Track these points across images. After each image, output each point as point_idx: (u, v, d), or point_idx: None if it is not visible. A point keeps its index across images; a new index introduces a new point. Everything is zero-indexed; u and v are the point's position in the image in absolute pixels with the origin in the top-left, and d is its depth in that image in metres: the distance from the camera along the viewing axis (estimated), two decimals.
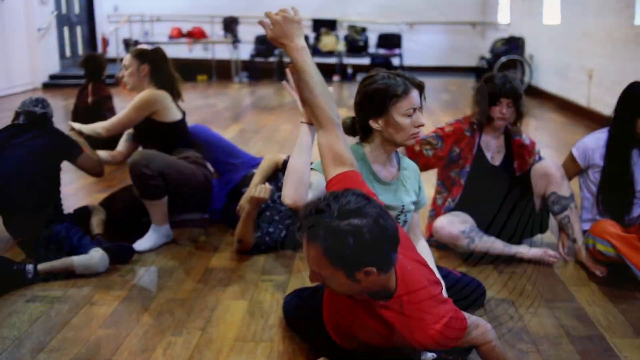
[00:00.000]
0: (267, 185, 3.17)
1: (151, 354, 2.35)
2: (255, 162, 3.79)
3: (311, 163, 2.25)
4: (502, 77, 3.30)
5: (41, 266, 2.94)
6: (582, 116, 7.73)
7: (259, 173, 3.54)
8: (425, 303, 1.90)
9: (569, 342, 2.50)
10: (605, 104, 7.08)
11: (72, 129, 3.51)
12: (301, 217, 1.76)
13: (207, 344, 2.43)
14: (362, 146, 2.37)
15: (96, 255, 3.03)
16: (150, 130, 3.64)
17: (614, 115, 3.18)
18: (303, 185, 2.11)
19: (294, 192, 2.09)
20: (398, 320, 1.88)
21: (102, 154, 3.68)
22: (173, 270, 3.13)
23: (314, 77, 2.06)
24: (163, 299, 2.81)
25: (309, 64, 2.06)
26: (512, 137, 3.42)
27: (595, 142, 3.25)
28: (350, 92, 9.92)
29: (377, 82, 2.28)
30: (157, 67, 3.66)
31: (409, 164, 2.54)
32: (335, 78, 11.42)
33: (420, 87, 2.33)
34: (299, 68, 2.07)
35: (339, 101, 8.82)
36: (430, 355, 2.08)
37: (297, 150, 2.16)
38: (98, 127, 3.61)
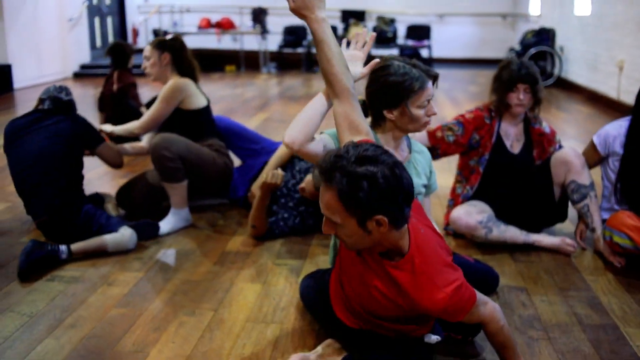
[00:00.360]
0: (280, 171, 3.19)
1: (162, 333, 2.40)
2: (275, 147, 3.82)
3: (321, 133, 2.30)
4: (518, 63, 3.29)
5: (74, 246, 3.02)
6: (611, 108, 7.60)
7: (274, 159, 3.59)
8: (437, 266, 1.91)
9: (580, 330, 2.48)
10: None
11: (102, 130, 3.64)
12: (320, 162, 1.81)
13: (218, 324, 2.47)
14: (374, 131, 2.37)
15: (127, 233, 3.13)
16: (178, 119, 3.68)
17: (635, 103, 3.13)
18: (307, 129, 2.12)
19: (295, 132, 2.11)
20: (408, 281, 1.88)
21: (127, 146, 3.77)
22: (190, 253, 3.18)
23: (333, 48, 2.08)
24: (178, 280, 2.85)
25: (328, 35, 2.08)
26: (531, 125, 3.39)
27: (617, 129, 3.20)
28: None
29: (394, 75, 2.28)
30: (178, 55, 3.71)
31: (421, 148, 2.56)
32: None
33: (435, 78, 2.35)
34: (318, 39, 2.08)
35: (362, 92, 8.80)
36: (434, 337, 2.08)
37: (309, 104, 2.18)
38: (133, 127, 3.71)
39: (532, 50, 9.86)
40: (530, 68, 3.29)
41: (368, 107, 2.41)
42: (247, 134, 4.04)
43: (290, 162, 3.55)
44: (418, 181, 2.43)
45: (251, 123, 6.29)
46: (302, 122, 2.13)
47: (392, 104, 2.32)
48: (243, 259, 3.11)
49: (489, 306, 2.02)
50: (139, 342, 2.34)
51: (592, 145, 3.28)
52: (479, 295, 1.98)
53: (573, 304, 2.69)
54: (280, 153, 3.62)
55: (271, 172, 3.18)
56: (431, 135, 3.29)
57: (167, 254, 3.16)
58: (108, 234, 3.10)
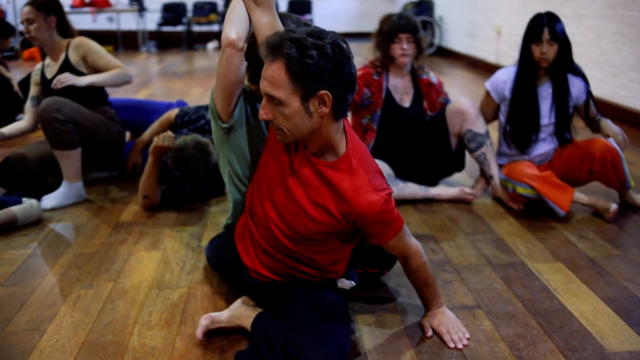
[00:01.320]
0: (170, 132, 3.02)
1: (59, 308, 2.18)
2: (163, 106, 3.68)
3: None
4: (397, 15, 3.30)
5: None
6: (491, 72, 7.85)
7: (155, 125, 3.45)
8: (371, 170, 1.86)
9: (491, 269, 2.51)
10: (515, 58, 7.23)
11: None
12: (267, 39, 1.72)
13: (120, 294, 2.28)
14: None
15: (33, 202, 2.94)
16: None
17: (521, 47, 3.20)
18: (245, 28, 1.98)
19: (239, 30, 1.94)
20: (344, 182, 1.81)
21: (5, 130, 3.41)
22: (81, 226, 2.93)
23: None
24: (70, 254, 2.62)
25: None
26: (418, 76, 3.40)
27: (506, 74, 3.28)
28: None
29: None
30: (62, 17, 3.41)
31: None
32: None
33: None
34: None
35: None
36: (348, 282, 2.02)
37: (236, 6, 1.99)
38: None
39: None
40: (410, 18, 3.31)
41: None
42: (140, 105, 3.82)
43: (171, 131, 3.38)
44: None
45: (136, 97, 5.98)
46: (242, 21, 1.96)
47: None
48: (139, 228, 2.92)
49: (413, 239, 1.98)
50: (34, 319, 2.11)
51: (486, 93, 3.33)
52: (406, 227, 1.94)
53: (480, 247, 2.72)
54: (160, 119, 3.50)
55: (162, 135, 3.00)
56: None
57: (57, 229, 2.90)
58: (14, 206, 2.85)
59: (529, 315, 2.16)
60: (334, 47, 1.68)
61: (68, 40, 3.39)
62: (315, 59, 1.66)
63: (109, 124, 3.38)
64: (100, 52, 3.37)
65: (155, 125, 3.50)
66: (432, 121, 3.35)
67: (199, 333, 1.95)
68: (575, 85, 3.14)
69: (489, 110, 3.31)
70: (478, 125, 3.22)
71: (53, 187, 3.28)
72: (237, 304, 2.08)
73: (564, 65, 3.09)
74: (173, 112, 3.45)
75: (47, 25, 3.33)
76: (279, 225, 1.93)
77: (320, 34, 1.71)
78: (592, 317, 2.15)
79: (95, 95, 3.42)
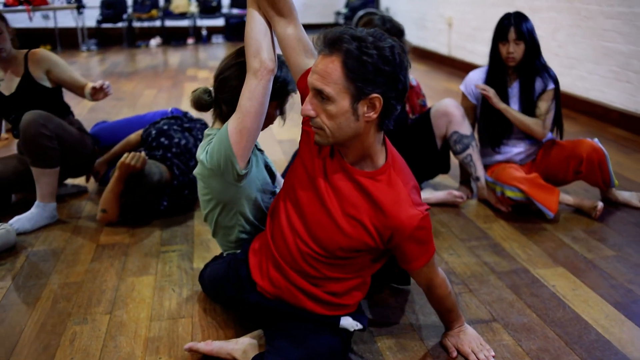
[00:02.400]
0: (143, 154, 2.88)
1: (56, 350, 2.01)
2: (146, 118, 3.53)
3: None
4: (380, 18, 3.22)
5: None
6: (443, 64, 7.92)
7: (123, 142, 3.30)
8: (410, 185, 1.80)
9: (496, 278, 2.48)
10: (467, 51, 7.29)
11: None
12: (326, 33, 1.64)
13: (120, 329, 2.13)
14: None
15: (10, 228, 2.75)
16: (42, 95, 3.14)
17: (491, 47, 3.20)
18: (270, 42, 1.88)
19: (269, 50, 1.86)
20: (383, 193, 1.74)
21: None
22: (59, 251, 2.74)
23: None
24: (55, 285, 2.44)
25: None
26: None
27: (478, 74, 3.28)
28: (207, 54, 9.52)
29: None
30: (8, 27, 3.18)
31: None
32: (190, 41, 10.90)
33: None
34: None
35: (196, 63, 8.41)
36: (353, 323, 1.87)
37: (252, 22, 1.87)
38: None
39: (360, 12, 9.98)
40: (393, 21, 3.24)
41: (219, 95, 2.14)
42: (124, 127, 3.62)
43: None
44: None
45: (87, 102, 5.71)
46: (268, 40, 1.87)
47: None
48: (123, 250, 2.75)
49: (440, 269, 1.92)
50: None
51: (462, 95, 3.32)
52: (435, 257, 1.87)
53: (479, 254, 2.69)
54: (131, 137, 3.35)
55: (135, 155, 2.84)
56: None
57: (33, 256, 2.70)
58: None
59: (546, 327, 2.13)
60: (393, 52, 1.60)
61: (23, 52, 3.16)
62: (375, 59, 1.57)
63: (84, 137, 3.19)
64: (63, 65, 3.18)
65: (127, 139, 3.33)
66: (415, 123, 3.30)
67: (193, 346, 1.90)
68: (539, 84, 3.13)
69: (468, 112, 3.28)
70: (464, 127, 3.18)
71: (16, 207, 3.07)
72: (244, 341, 1.97)
73: (532, 64, 3.09)
74: (139, 133, 3.32)
75: (9, 34, 3.11)
76: (304, 239, 1.82)
77: (381, 36, 1.64)
78: (607, 325, 2.14)
79: (62, 107, 3.23)
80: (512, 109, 3.12)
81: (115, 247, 2.78)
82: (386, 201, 1.73)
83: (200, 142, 3.23)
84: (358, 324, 1.89)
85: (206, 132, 2.08)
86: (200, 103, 2.07)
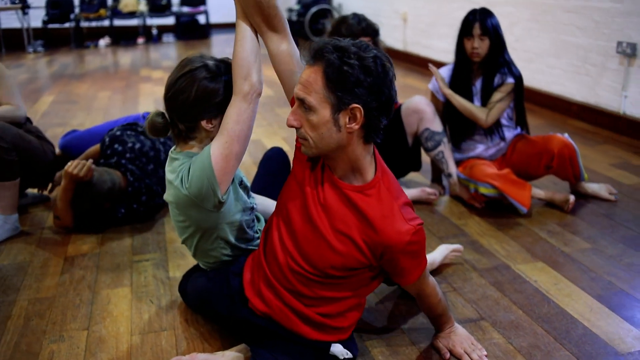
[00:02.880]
0: (90, 162, 2.76)
1: None
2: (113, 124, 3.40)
3: None
4: (354, 17, 3.18)
5: None
6: (399, 59, 7.94)
7: (84, 154, 3.18)
8: (401, 199, 1.74)
9: (478, 275, 2.47)
10: (422, 46, 7.32)
11: None
12: (312, 44, 1.62)
13: (100, 345, 2.03)
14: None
15: None
16: None
17: (456, 45, 3.20)
18: (260, 62, 1.82)
19: (259, 71, 1.81)
20: (373, 208, 1.69)
21: None
22: (26, 265, 2.61)
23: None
24: (25, 301, 2.32)
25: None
26: None
27: (445, 72, 3.29)
28: (159, 53, 9.32)
29: (201, 82, 1.88)
30: None
31: None
32: (140, 40, 10.67)
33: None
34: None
35: (148, 63, 8.24)
36: (344, 351, 1.83)
37: (243, 43, 1.80)
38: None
39: (313, 9, 9.96)
40: (368, 20, 3.20)
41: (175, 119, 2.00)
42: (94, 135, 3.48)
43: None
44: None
45: (40, 107, 5.52)
46: (258, 61, 1.81)
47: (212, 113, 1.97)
48: (94, 261, 2.64)
49: (431, 278, 1.89)
50: None
51: (431, 94, 3.32)
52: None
53: None
54: (91, 149, 3.22)
55: (77, 162, 2.74)
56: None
57: None
58: None
59: (534, 323, 2.13)
60: (376, 63, 1.57)
61: None
62: (355, 70, 1.54)
63: (44, 145, 3.05)
64: (3, 78, 2.98)
65: (88, 151, 3.20)
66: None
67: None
68: (498, 79, 3.14)
69: (438, 110, 3.27)
70: (435, 124, 3.18)
71: None
72: (230, 355, 1.91)
73: (496, 60, 3.11)
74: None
75: None
76: (295, 257, 1.77)
77: (366, 47, 1.60)
78: (593, 318, 2.15)
79: None
80: (457, 96, 3.15)
81: (85, 258, 2.67)
82: (376, 216, 1.68)
83: (162, 145, 3.15)
84: (348, 352, 1.84)
85: (172, 154, 1.94)
86: (155, 127, 1.95)
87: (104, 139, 3.12)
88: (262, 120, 5.03)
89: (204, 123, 1.88)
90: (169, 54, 9.19)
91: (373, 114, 1.59)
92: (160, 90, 6.21)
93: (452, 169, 3.21)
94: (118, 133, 3.11)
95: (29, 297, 2.35)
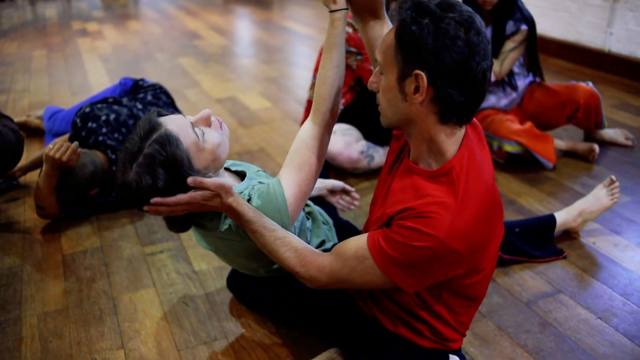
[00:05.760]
0: (75, 145, 2.38)
1: None
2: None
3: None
4: None
5: None
6: None
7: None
8: (475, 205, 1.34)
9: None
10: None
11: None
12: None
13: None
14: None
15: None
16: None
17: None
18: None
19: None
20: (437, 193, 1.34)
21: None
22: (18, 270, 2.23)
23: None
24: (33, 318, 1.96)
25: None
26: None
27: None
28: (86, 3, 8.56)
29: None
30: None
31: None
32: None
33: None
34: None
35: (78, 15, 7.52)
36: None
37: (327, 79, 1.56)
38: None
39: None
40: None
41: None
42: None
43: None
44: None
45: None
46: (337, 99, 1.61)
47: None
48: (99, 259, 2.29)
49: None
50: None
51: None
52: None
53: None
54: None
55: (60, 144, 2.36)
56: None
57: None
58: None
59: (614, 293, 1.97)
60: (457, 27, 1.26)
61: None
62: (425, 31, 1.26)
63: (4, 128, 2.59)
64: None
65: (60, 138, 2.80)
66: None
67: None
68: (510, 26, 2.93)
69: None
70: None
71: None
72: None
73: (507, 7, 2.88)
74: None
75: None
76: None
77: (453, 7, 1.29)
78: None
79: None
80: None
81: (87, 255, 2.31)
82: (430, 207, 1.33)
83: (141, 111, 2.77)
84: None
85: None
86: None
87: (75, 121, 2.71)
88: (231, 74, 4.64)
89: None
90: (95, 3, 8.44)
91: (441, 85, 1.28)
92: (101, 45, 5.65)
93: None
94: (87, 110, 2.71)
95: (36, 311, 1.99)
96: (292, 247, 1.46)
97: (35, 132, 3.43)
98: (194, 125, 1.48)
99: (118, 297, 2.04)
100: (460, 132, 1.39)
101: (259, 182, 1.61)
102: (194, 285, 2.09)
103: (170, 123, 1.44)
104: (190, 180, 1.41)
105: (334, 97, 1.57)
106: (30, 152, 3.22)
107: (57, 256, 2.31)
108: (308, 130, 1.58)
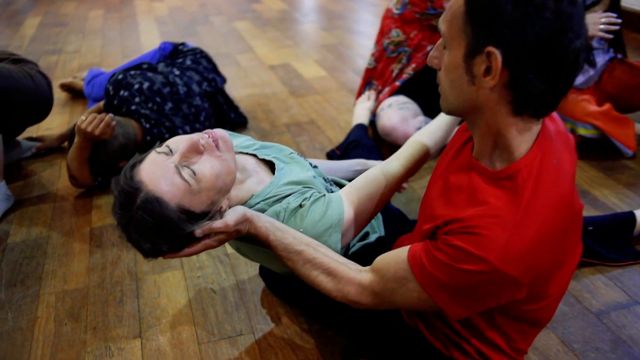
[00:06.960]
0: (108, 117, 2.23)
1: None
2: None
3: None
4: None
5: None
6: None
7: (87, 112, 2.62)
8: (541, 217, 1.07)
9: None
10: None
11: None
12: None
13: (160, 358, 1.57)
14: None
15: None
16: None
17: None
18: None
19: None
20: (492, 196, 1.09)
21: None
22: (43, 241, 2.11)
23: None
24: (51, 297, 1.83)
25: None
26: None
27: None
28: None
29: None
30: None
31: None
32: None
33: None
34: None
35: None
36: None
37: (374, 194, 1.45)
38: None
39: None
40: None
41: None
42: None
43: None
44: None
45: (26, 31, 4.85)
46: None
47: None
48: None
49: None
50: None
51: None
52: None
53: None
54: (94, 107, 2.70)
55: (92, 116, 2.21)
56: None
57: (10, 254, 2.06)
58: None
59: None
60: (547, 6, 0.96)
61: None
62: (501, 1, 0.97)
63: (24, 70, 2.43)
64: None
65: (91, 109, 2.66)
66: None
67: None
68: None
69: None
70: None
71: None
72: None
73: None
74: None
75: None
76: None
77: None
78: None
79: None
80: None
81: (114, 231, 2.17)
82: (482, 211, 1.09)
83: (178, 77, 2.61)
84: None
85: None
86: None
87: (107, 89, 2.57)
88: (287, 40, 4.43)
89: None
90: None
91: (519, 68, 1.00)
92: (158, 7, 5.52)
93: None
94: (120, 77, 2.55)
95: (55, 289, 1.86)
96: (324, 269, 1.26)
97: (79, 95, 3.32)
98: (180, 165, 1.23)
99: (142, 279, 1.89)
100: (536, 127, 1.11)
101: (303, 188, 1.40)
102: (224, 270, 1.92)
103: (149, 179, 1.20)
104: (198, 233, 1.22)
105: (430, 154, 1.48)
106: (74, 116, 3.11)
107: (85, 229, 2.18)
108: (394, 169, 1.46)
